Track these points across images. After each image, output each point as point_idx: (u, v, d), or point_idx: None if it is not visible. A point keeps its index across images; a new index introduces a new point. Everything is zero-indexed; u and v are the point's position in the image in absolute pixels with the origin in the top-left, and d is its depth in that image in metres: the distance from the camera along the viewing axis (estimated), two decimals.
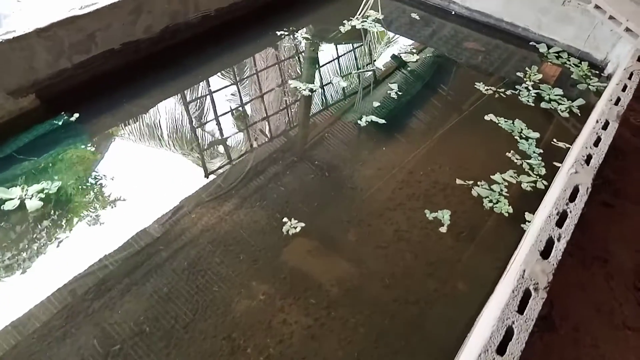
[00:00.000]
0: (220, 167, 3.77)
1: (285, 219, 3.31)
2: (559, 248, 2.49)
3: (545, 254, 2.49)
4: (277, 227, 3.29)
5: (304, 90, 4.53)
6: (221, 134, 4.12)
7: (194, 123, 4.19)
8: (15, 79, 3.46)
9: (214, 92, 4.50)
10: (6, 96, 3.42)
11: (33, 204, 3.06)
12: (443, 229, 3.35)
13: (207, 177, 3.64)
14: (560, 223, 2.64)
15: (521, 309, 2.21)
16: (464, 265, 3.20)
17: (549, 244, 2.53)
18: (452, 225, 3.39)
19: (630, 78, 4.12)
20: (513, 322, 2.15)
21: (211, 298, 2.88)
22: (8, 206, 3.06)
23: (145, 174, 3.63)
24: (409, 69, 5.06)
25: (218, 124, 4.21)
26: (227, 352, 2.62)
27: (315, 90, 4.58)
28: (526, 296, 2.28)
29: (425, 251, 3.25)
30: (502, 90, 4.76)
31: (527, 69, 5.15)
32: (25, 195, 3.11)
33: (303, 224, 3.28)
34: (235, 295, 2.90)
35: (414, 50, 5.32)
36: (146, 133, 3.97)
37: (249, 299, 2.89)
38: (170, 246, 3.13)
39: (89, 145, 3.67)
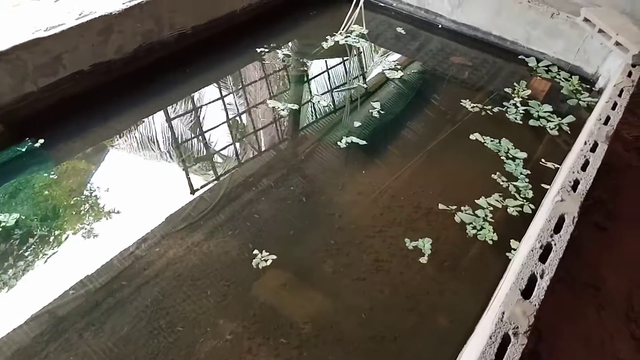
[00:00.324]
0: (190, 193, 3.61)
1: (255, 251, 3.14)
2: (541, 286, 2.32)
3: (528, 292, 2.32)
4: (248, 259, 3.11)
5: (282, 110, 4.38)
6: (189, 159, 3.96)
7: (168, 144, 4.03)
8: None
9: (184, 114, 4.35)
10: None
11: None
12: (424, 259, 3.17)
13: (176, 204, 3.47)
14: (544, 258, 2.47)
15: (499, 358, 2.04)
16: (445, 298, 3.02)
17: (532, 281, 2.36)
18: (434, 255, 3.22)
19: (620, 95, 3.97)
20: None
21: (174, 339, 2.69)
22: None
23: (112, 202, 3.45)
24: (392, 86, 4.92)
25: (181, 148, 4.06)
26: None
27: (294, 110, 4.43)
28: (505, 342, 2.11)
29: (405, 283, 3.07)
30: (489, 107, 4.61)
31: (515, 84, 5.00)
32: None
33: (274, 256, 3.10)
34: (200, 335, 2.72)
35: (399, 67, 5.17)
36: (116, 157, 3.81)
37: (214, 339, 2.70)
38: (133, 281, 2.95)
39: (53, 172, 3.51)
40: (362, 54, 5.45)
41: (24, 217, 3.15)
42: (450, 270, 3.16)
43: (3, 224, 3.03)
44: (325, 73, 5.07)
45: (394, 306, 2.96)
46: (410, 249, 3.24)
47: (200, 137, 4.13)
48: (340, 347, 2.73)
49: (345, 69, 5.21)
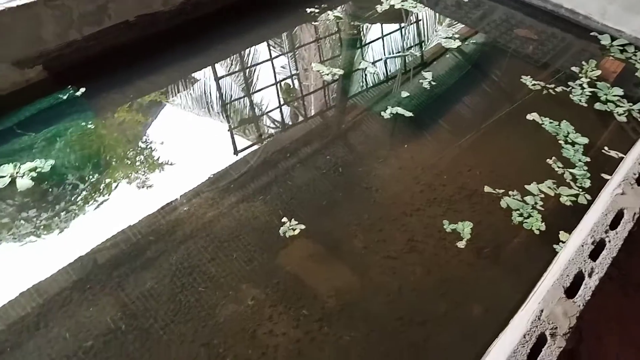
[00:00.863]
0: (234, 153, 3.53)
1: (284, 219, 3.04)
2: (589, 286, 2.09)
3: (572, 291, 2.10)
4: (277, 226, 3.01)
5: (327, 74, 4.20)
6: (232, 120, 3.87)
7: (211, 102, 3.96)
8: (21, 49, 3.33)
9: (231, 73, 4.25)
10: (11, 67, 3.30)
11: (23, 183, 2.93)
12: (462, 244, 2.97)
13: (213, 165, 3.40)
14: (595, 255, 2.23)
15: (532, 359, 1.86)
16: (481, 287, 2.82)
17: (578, 279, 2.14)
18: (473, 240, 3.01)
19: None
20: None
21: (196, 299, 2.66)
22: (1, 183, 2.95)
23: (148, 158, 3.43)
24: (448, 56, 4.61)
25: (226, 108, 3.97)
26: None
27: (340, 76, 4.23)
28: (540, 342, 1.92)
29: (439, 266, 2.90)
30: (552, 86, 4.24)
31: (584, 63, 4.57)
32: (17, 173, 2.99)
33: (303, 226, 2.99)
34: (221, 297, 2.67)
35: (457, 36, 4.84)
36: (156, 112, 3.78)
37: (236, 303, 2.65)
38: (160, 238, 2.92)
39: (91, 122, 3.52)
40: (419, 20, 5.14)
41: (59, 165, 3.18)
42: (489, 258, 2.95)
43: (39, 169, 3.06)
44: (378, 38, 4.82)
45: (425, 289, 2.80)
46: (448, 232, 3.04)
47: (245, 98, 4.03)
48: (363, 324, 2.61)
49: (399, 35, 4.94)
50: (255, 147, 3.61)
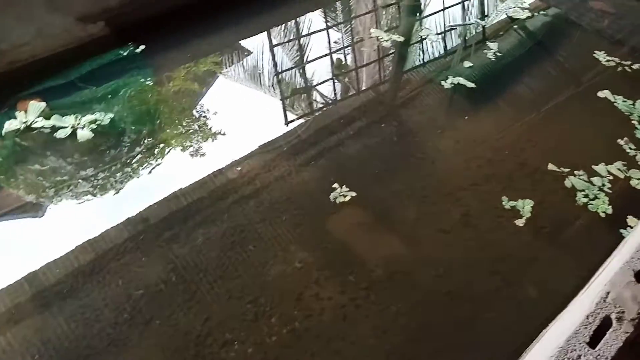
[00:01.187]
0: (284, 124, 3.51)
1: (335, 185, 2.99)
2: None
3: None
4: (327, 192, 2.98)
5: (386, 41, 4.06)
6: (287, 88, 3.82)
7: (267, 69, 3.93)
8: (85, 5, 3.40)
9: (287, 42, 4.19)
10: (75, 22, 3.37)
11: (84, 134, 3.02)
12: (520, 222, 2.82)
13: (267, 131, 3.38)
14: None
15: (593, 342, 1.74)
16: (538, 267, 2.69)
17: None
18: (533, 218, 2.85)
19: None
20: (579, 357, 1.70)
21: (245, 256, 2.68)
22: (60, 134, 3.05)
23: (203, 121, 3.45)
24: (516, 27, 4.35)
25: (278, 75, 3.92)
26: (249, 318, 2.42)
27: (400, 43, 4.08)
28: (604, 326, 1.79)
29: (494, 244, 2.78)
30: (628, 62, 3.93)
31: None
32: (77, 124, 3.08)
33: (354, 193, 2.93)
34: (270, 257, 2.67)
35: (527, 6, 4.56)
36: (212, 76, 3.78)
37: (284, 263, 2.65)
38: (213, 195, 2.96)
39: (150, 79, 3.56)
40: None
41: (117, 119, 3.26)
42: (549, 238, 2.80)
43: (98, 122, 3.14)
44: (441, 5, 4.61)
45: (477, 266, 2.69)
46: (507, 209, 2.90)
47: (298, 69, 3.97)
48: (410, 295, 2.55)
49: (463, 4, 4.70)
50: (308, 116, 3.57)
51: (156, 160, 3.18)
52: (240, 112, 3.58)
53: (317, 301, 2.51)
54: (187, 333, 2.36)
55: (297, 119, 3.54)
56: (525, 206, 2.88)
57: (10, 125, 3.01)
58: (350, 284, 2.59)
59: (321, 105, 3.67)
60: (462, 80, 3.70)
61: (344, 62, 4.09)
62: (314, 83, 3.86)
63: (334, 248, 2.73)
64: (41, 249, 2.69)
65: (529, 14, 4.46)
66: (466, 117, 3.47)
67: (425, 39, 4.17)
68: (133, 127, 3.23)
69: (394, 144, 3.29)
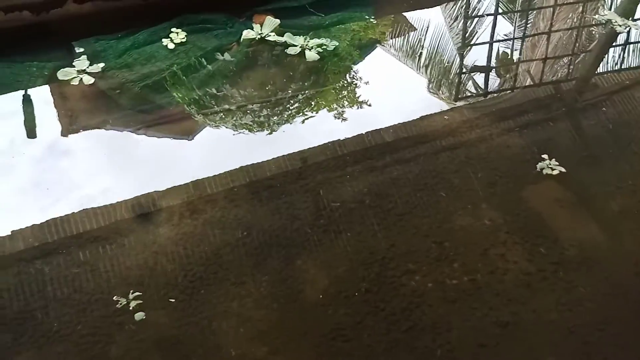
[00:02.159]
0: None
1: (544, 156, 2.87)
2: None
3: None
4: (529, 161, 2.89)
5: (620, 26, 3.72)
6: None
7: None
8: None
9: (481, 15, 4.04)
10: None
11: (311, 55, 3.27)
12: None
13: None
14: None
15: None
16: None
17: None
18: None
19: None
20: None
21: (435, 200, 2.73)
22: (291, 51, 3.33)
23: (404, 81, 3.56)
24: None
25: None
26: (433, 256, 2.48)
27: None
28: None
29: None
30: None
31: None
32: (306, 45, 3.33)
33: (563, 169, 2.80)
34: (459, 208, 2.69)
35: None
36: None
37: (472, 217, 2.65)
38: (412, 138, 3.04)
39: (373, 17, 3.71)
40: None
41: (340, 48, 3.46)
42: None
43: (324, 47, 3.37)
44: None
45: None
46: None
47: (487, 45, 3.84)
48: (603, 284, 2.41)
49: None
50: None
51: (357, 94, 3.34)
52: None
53: (502, 261, 2.49)
54: (373, 252, 2.49)
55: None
56: None
57: (248, 34, 3.36)
58: (540, 254, 2.51)
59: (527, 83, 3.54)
60: None
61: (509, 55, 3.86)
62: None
63: (528, 216, 2.66)
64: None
65: None
66: None
67: None
68: (351, 57, 3.41)
69: (608, 131, 3.07)
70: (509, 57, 3.79)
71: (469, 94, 3.52)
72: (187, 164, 2.94)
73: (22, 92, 3.19)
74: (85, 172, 2.89)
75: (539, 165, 2.83)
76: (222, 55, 3.33)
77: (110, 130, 3.08)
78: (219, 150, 3.09)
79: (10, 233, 2.48)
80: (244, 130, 3.08)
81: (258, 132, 3.09)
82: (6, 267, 2.36)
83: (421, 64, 3.65)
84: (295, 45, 3.30)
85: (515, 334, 2.23)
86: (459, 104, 3.28)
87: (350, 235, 2.56)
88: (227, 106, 3.15)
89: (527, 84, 3.55)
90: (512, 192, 2.76)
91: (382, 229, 2.60)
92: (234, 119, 3.13)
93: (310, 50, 3.28)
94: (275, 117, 3.14)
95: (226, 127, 3.12)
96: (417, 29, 3.84)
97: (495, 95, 3.48)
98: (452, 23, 3.93)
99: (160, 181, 2.76)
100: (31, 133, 3.03)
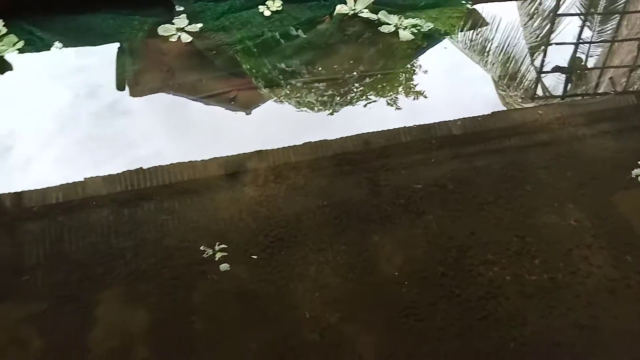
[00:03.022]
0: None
1: None
2: None
3: None
4: (624, 166, 2.77)
5: None
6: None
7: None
8: None
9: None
10: None
11: (405, 35, 3.25)
12: None
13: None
14: None
15: None
16: None
17: None
18: None
19: None
20: None
21: (519, 194, 2.67)
22: (384, 29, 3.32)
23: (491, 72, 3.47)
24: None
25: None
26: (514, 249, 2.43)
27: None
28: None
29: None
30: None
31: None
32: (400, 24, 3.31)
33: None
34: (544, 205, 2.62)
35: None
36: None
37: (557, 216, 2.57)
38: (501, 128, 2.99)
39: (470, 3, 3.64)
40: None
41: (435, 30, 3.43)
42: None
43: (419, 27, 3.35)
44: None
45: None
46: None
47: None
48: None
49: None
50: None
51: (445, 78, 3.30)
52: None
53: (586, 264, 2.41)
54: (452, 238, 2.47)
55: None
56: None
57: (341, 8, 3.37)
58: (626, 262, 2.41)
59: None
60: None
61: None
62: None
63: (616, 222, 2.56)
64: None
65: None
66: None
67: None
68: (442, 40, 3.37)
69: None
70: (587, 60, 3.64)
71: (558, 94, 3.40)
72: (274, 130, 3.00)
73: (120, 43, 3.33)
74: (174, 128, 3.00)
75: (635, 171, 2.71)
76: (315, 27, 3.36)
77: (204, 89, 3.17)
78: (305, 119, 3.12)
79: (107, 175, 2.64)
80: (333, 101, 3.12)
81: (351, 104, 3.12)
82: (102, 206, 2.51)
83: (512, 57, 3.55)
84: (389, 24, 3.28)
85: (593, 337, 2.17)
86: (551, 101, 3.17)
87: (430, 218, 2.55)
88: (321, 77, 3.18)
89: (620, 89, 3.40)
90: (602, 196, 2.66)
91: (463, 215, 2.57)
92: (332, 90, 3.15)
93: (404, 29, 3.25)
94: (368, 92, 3.14)
95: (323, 96, 3.15)
96: (514, 19, 3.73)
97: (587, 96, 3.35)
98: (527, 22, 3.79)
99: (248, 144, 2.84)
100: (121, 85, 3.14)
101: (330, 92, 3.16)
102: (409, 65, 3.31)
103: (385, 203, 2.59)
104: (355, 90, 3.16)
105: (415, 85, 3.23)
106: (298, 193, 2.60)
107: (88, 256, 2.31)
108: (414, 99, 3.18)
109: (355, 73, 3.19)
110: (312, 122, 3.07)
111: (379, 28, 3.33)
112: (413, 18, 3.35)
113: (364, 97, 3.14)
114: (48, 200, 2.54)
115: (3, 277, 2.24)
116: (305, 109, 3.06)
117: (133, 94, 3.11)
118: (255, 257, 2.31)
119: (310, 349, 2.09)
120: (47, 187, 2.58)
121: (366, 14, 3.37)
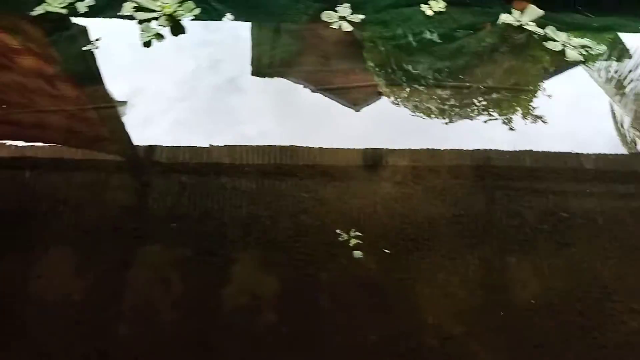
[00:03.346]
0: None
1: None
2: None
3: None
4: None
5: None
6: None
7: None
8: None
9: None
10: None
11: (572, 54, 3.04)
12: None
13: None
14: None
15: None
16: None
17: None
18: None
19: None
20: None
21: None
22: (550, 45, 3.13)
23: None
24: None
25: None
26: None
27: None
28: None
29: None
30: None
31: None
32: (568, 43, 3.11)
33: None
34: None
35: None
36: None
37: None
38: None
39: None
40: None
41: (606, 55, 3.23)
42: None
43: (588, 49, 3.14)
44: None
45: None
46: None
47: None
48: None
49: None
50: None
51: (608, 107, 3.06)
52: None
53: None
54: (597, 277, 2.28)
55: None
56: None
57: (506, 18, 3.23)
58: None
59: None
60: None
61: None
62: None
63: None
64: None
65: None
66: None
67: None
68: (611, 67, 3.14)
69: None
70: None
71: None
72: (414, 132, 2.97)
73: (277, 24, 3.45)
74: (317, 111, 3.06)
75: None
76: (474, 33, 3.25)
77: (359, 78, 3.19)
78: (417, 124, 3.00)
79: (255, 145, 2.77)
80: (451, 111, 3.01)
81: (469, 118, 2.99)
82: (248, 174, 2.63)
83: None
84: (557, 41, 3.09)
85: None
86: None
87: (574, 251, 2.38)
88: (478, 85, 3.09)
89: None
90: None
91: (613, 256, 2.37)
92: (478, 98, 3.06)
93: (572, 49, 3.05)
94: (513, 106, 3.01)
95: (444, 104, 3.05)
96: None
97: None
98: None
99: (388, 139, 2.84)
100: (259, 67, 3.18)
101: (452, 101, 3.06)
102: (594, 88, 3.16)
103: (528, 226, 2.46)
104: (478, 103, 3.03)
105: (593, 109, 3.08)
106: (436, 197, 2.55)
107: (230, 217, 2.44)
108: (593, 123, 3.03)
109: (482, 86, 3.06)
110: (425, 128, 2.97)
111: (543, 43, 3.15)
112: (582, 38, 3.14)
113: (486, 112, 3.00)
114: (197, 159, 2.71)
115: (156, 222, 2.44)
116: (421, 114, 3.00)
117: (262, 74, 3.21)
118: (387, 251, 2.30)
119: (430, 355, 2.04)
120: (197, 147, 2.76)
121: (533, 27, 3.19)
